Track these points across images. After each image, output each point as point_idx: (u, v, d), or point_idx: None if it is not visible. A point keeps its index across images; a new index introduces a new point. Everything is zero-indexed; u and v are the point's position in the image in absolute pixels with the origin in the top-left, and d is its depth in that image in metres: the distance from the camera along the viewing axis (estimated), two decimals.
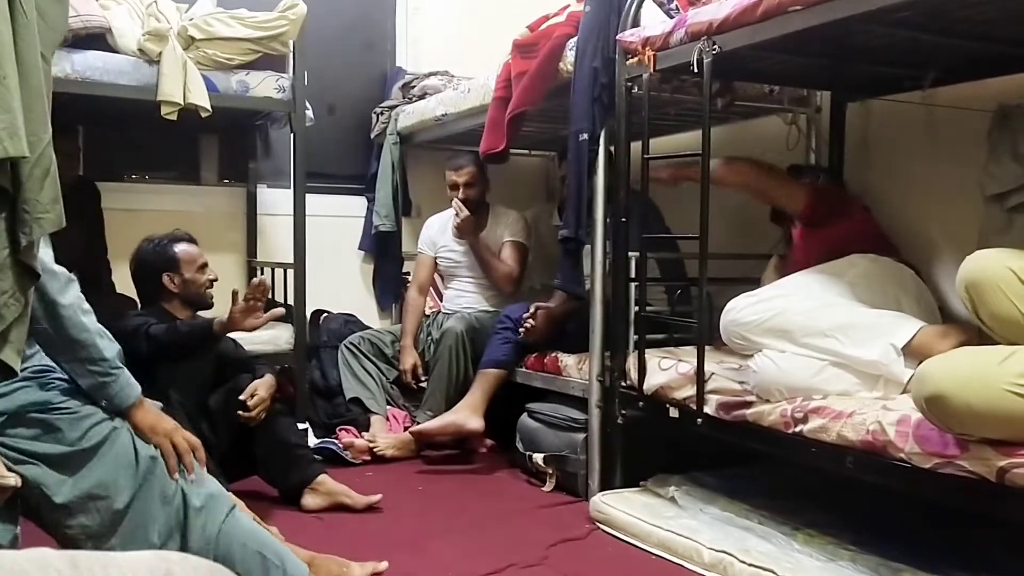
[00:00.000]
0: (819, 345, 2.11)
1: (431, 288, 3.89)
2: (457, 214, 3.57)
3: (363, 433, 3.34)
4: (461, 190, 3.57)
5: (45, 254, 1.41)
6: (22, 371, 1.44)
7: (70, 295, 1.50)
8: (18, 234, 1.25)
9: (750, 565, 2.04)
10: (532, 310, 3.17)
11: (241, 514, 1.73)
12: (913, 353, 2.03)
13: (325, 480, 2.66)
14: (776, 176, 2.64)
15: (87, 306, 1.56)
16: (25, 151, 1.18)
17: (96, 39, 3.10)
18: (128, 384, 1.64)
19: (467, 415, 3.14)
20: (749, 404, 2.19)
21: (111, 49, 3.11)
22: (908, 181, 2.79)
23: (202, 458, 1.70)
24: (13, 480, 1.41)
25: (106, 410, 1.61)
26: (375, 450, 3.23)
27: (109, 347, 1.59)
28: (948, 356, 1.73)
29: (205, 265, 2.78)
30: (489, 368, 3.21)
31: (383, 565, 2.02)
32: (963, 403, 1.59)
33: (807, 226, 2.58)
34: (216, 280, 2.79)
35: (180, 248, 2.74)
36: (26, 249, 1.27)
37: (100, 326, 1.58)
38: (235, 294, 2.52)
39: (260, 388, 2.61)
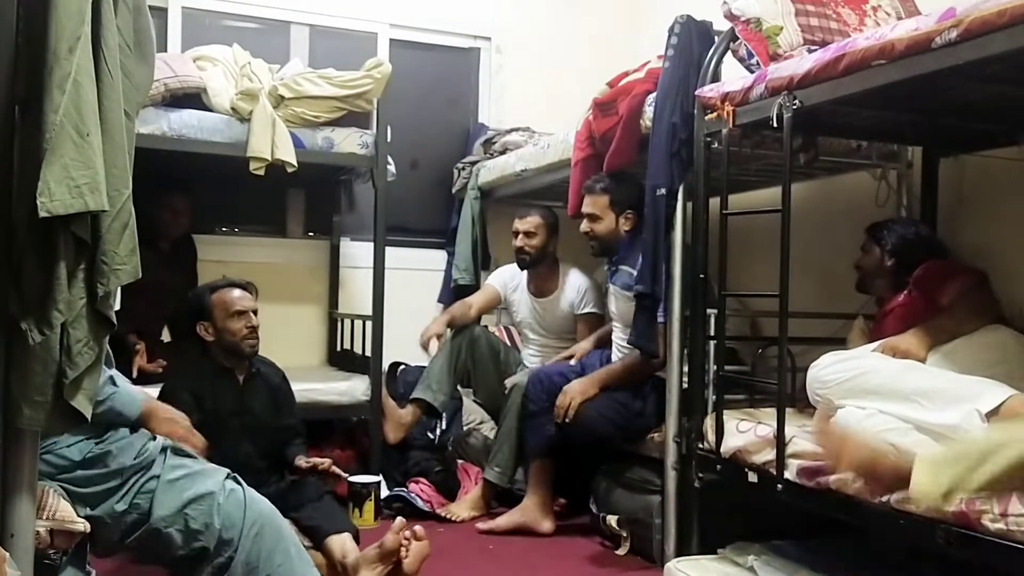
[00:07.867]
0: (898, 409, 2.00)
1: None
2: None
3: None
4: (520, 237, 3.59)
5: None
6: None
7: None
8: (96, 284, 1.29)
9: None
10: (565, 399, 2.91)
11: None
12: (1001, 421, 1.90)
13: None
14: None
15: None
16: (105, 205, 1.24)
17: (192, 98, 3.25)
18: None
19: (536, 516, 3.06)
20: (833, 470, 2.09)
21: (206, 108, 3.25)
22: (1004, 241, 2.65)
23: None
24: (82, 525, 1.44)
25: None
26: (450, 518, 3.20)
27: None
28: None
29: (243, 312, 2.60)
30: (536, 459, 3.12)
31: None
32: None
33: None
34: (256, 327, 2.61)
35: (216, 295, 2.61)
36: (103, 299, 1.31)
37: None
38: None
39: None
